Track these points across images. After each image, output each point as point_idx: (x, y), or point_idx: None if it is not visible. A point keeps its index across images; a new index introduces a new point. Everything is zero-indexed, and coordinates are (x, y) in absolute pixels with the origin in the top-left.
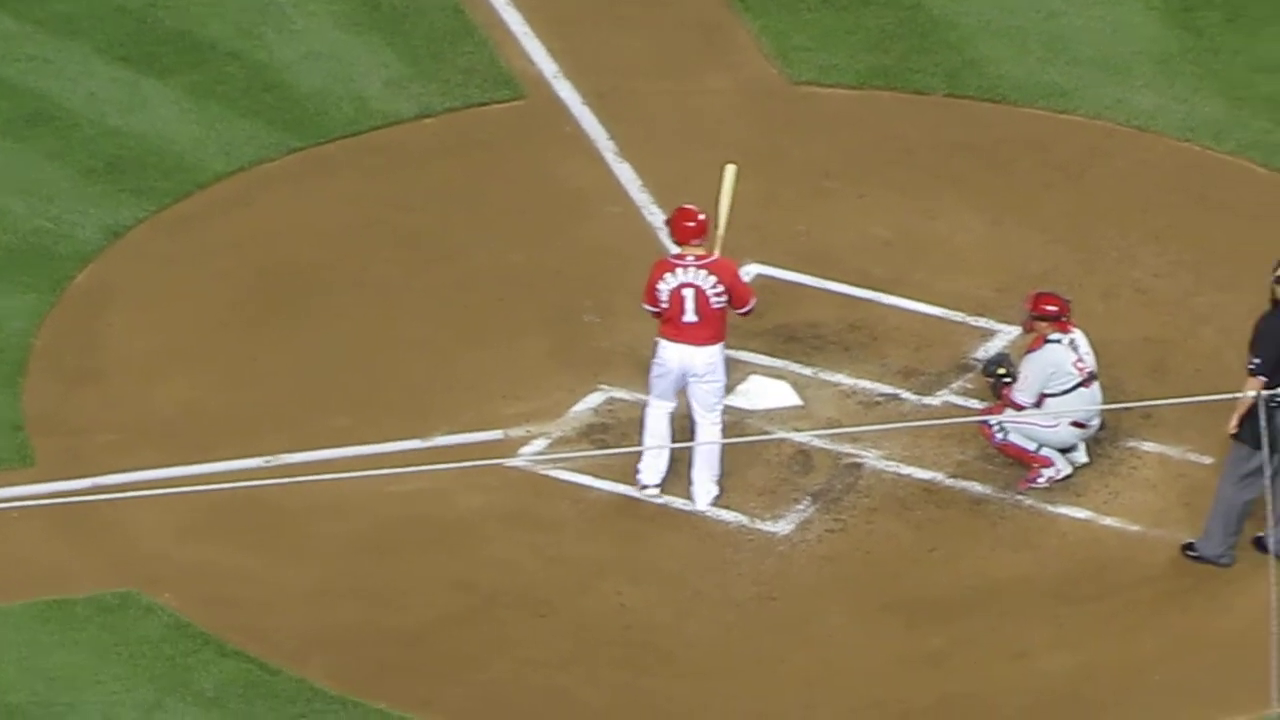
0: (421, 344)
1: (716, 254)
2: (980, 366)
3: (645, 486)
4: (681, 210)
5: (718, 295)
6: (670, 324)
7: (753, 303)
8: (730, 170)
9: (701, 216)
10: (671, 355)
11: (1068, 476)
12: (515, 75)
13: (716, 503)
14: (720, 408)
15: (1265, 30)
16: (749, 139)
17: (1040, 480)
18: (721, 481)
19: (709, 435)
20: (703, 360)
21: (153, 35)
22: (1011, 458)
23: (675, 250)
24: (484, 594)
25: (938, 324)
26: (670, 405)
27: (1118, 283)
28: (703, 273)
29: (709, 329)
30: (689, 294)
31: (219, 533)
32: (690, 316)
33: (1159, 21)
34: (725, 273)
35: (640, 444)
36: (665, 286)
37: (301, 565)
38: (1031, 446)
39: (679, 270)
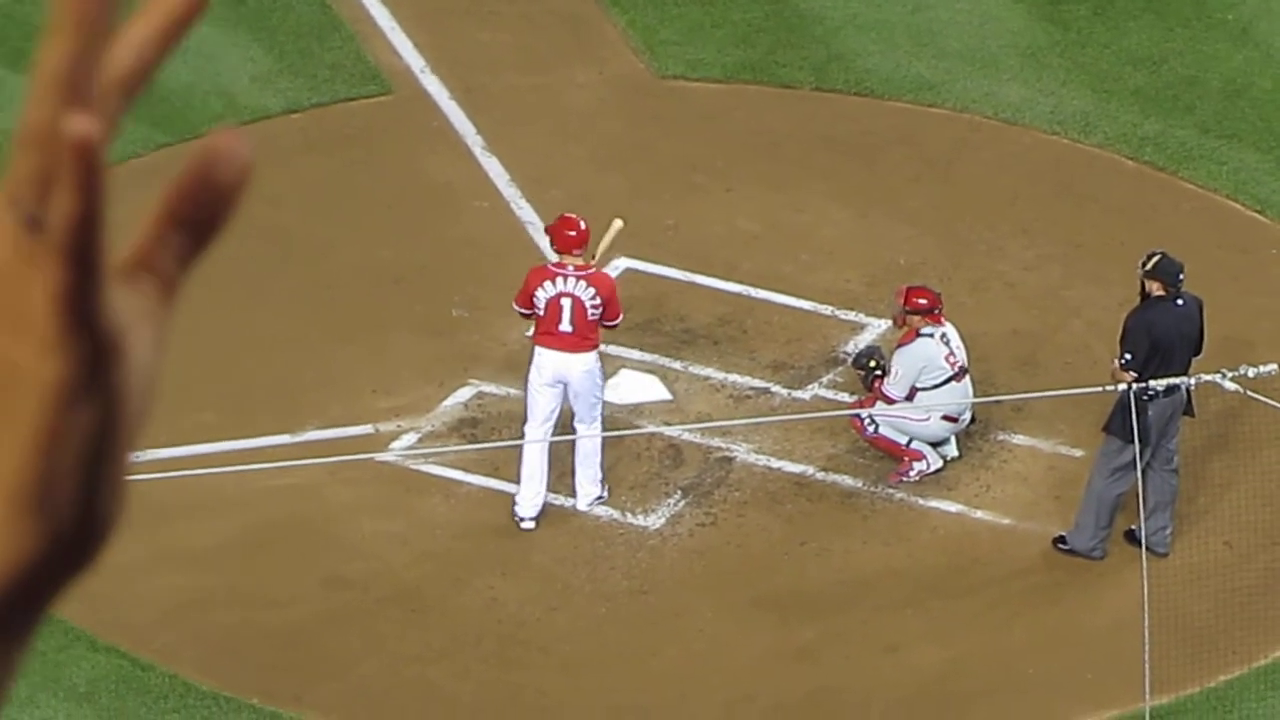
0: (289, 340)
1: (594, 268)
2: (850, 359)
3: (522, 520)
4: (563, 219)
5: (594, 307)
6: (545, 332)
7: (621, 319)
8: (616, 224)
9: (583, 225)
10: (547, 362)
11: (939, 470)
12: (382, 70)
13: (598, 504)
14: (598, 412)
15: (1133, 23)
16: (616, 133)
17: (911, 474)
18: (605, 483)
19: (584, 442)
20: (579, 368)
21: (21, 32)
22: (882, 451)
23: (554, 258)
24: (355, 589)
25: (807, 318)
26: (547, 432)
27: (986, 276)
28: (582, 284)
29: (584, 338)
30: (566, 303)
31: None
32: (565, 326)
33: (1026, 14)
34: (604, 286)
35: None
36: (543, 294)
37: (172, 561)
38: (902, 440)
39: (558, 279)
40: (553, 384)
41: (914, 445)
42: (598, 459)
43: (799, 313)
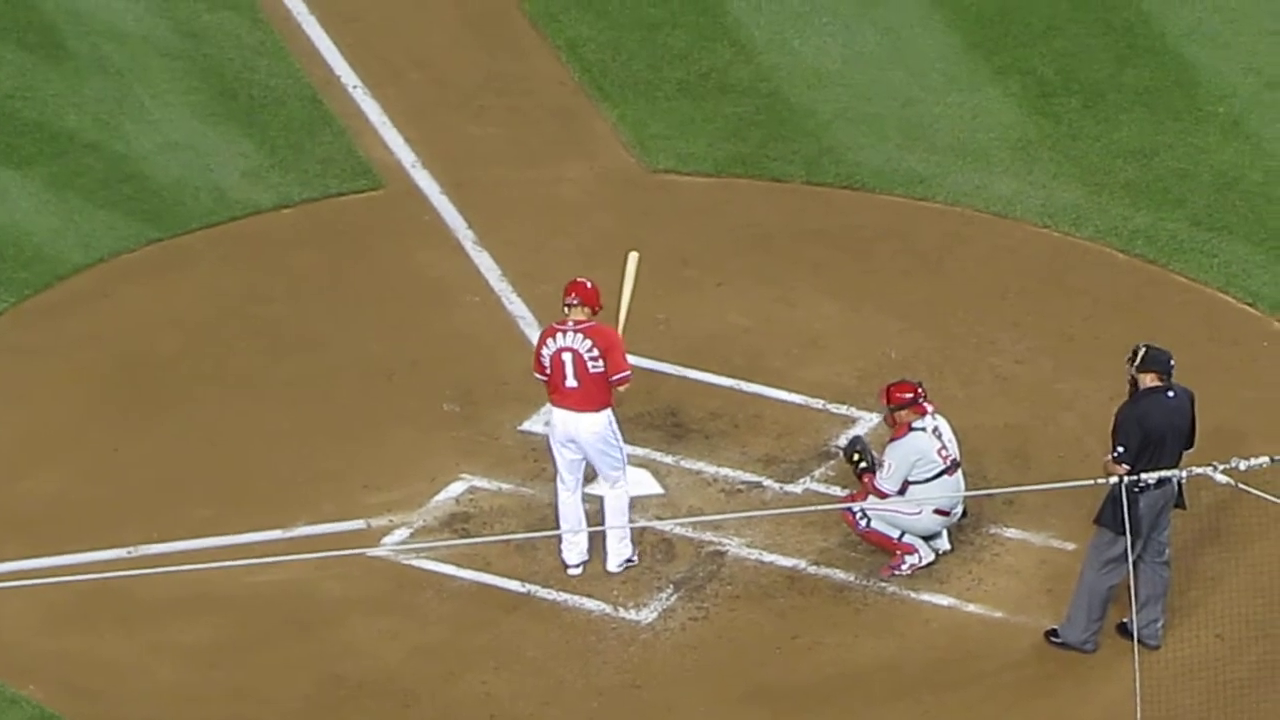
0: (282, 435)
1: (596, 322)
2: (840, 453)
3: (569, 567)
4: (572, 282)
5: (594, 360)
6: (554, 390)
7: (628, 374)
8: (633, 257)
9: (589, 285)
10: (558, 421)
11: (931, 563)
12: (373, 165)
13: (628, 566)
14: (620, 472)
15: (1122, 116)
16: (607, 227)
17: (903, 568)
18: (635, 544)
19: (611, 498)
20: (587, 428)
21: (11, 127)
22: (874, 545)
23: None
24: (349, 685)
25: (798, 411)
26: (574, 483)
27: (978, 369)
28: (579, 336)
29: (590, 396)
30: (568, 358)
31: (83, 624)
32: (571, 381)
33: (1017, 108)
34: (601, 337)
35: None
36: (547, 351)
37: (165, 657)
38: (894, 534)
39: (559, 335)
40: (566, 443)
41: (906, 539)
42: (625, 518)
43: (790, 406)
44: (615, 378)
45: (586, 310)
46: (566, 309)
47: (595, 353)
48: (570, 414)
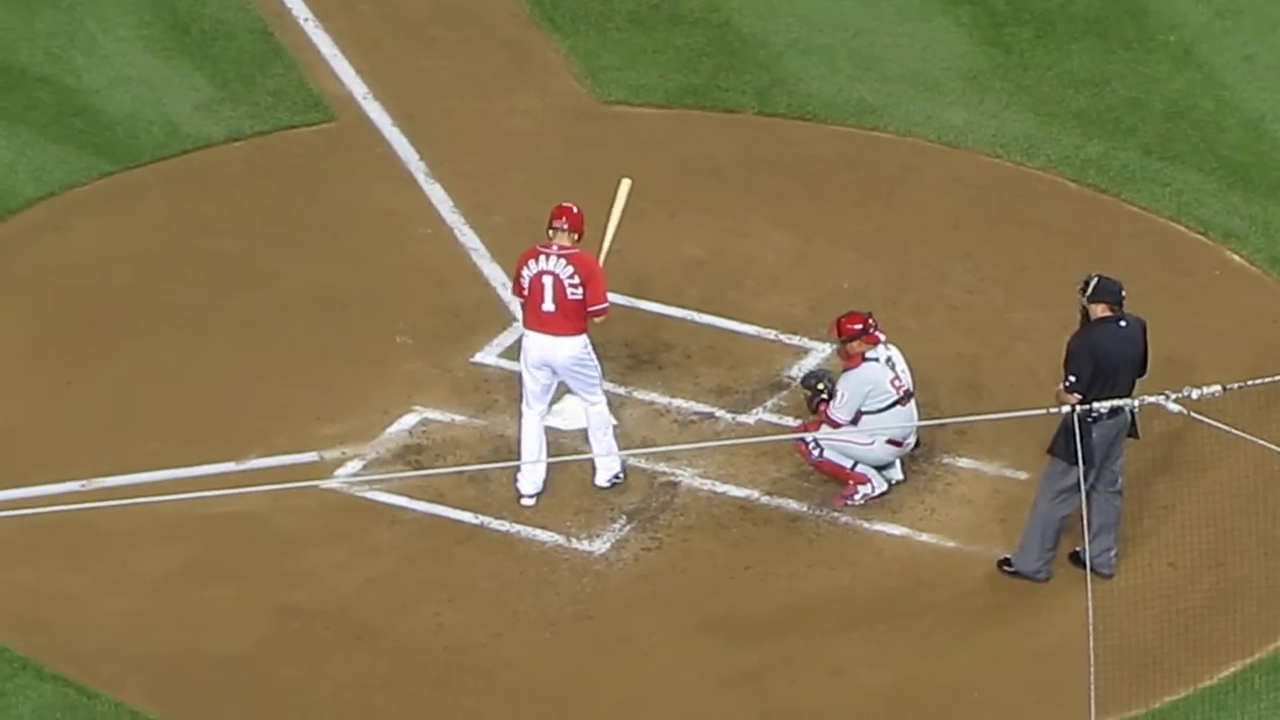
0: (234, 368)
1: (579, 250)
2: (799, 379)
3: (523, 496)
4: (558, 206)
5: (573, 286)
6: (531, 313)
7: (605, 306)
8: (625, 184)
9: (575, 210)
10: (531, 345)
11: (884, 493)
12: (325, 97)
13: (616, 481)
14: (598, 390)
15: (1075, 46)
16: (559, 159)
17: (856, 497)
18: (622, 464)
19: (594, 415)
20: (565, 353)
21: None
22: (827, 475)
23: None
24: (302, 616)
25: (751, 342)
26: (542, 409)
27: (930, 299)
28: (561, 261)
29: (568, 320)
30: (548, 281)
31: (35, 557)
32: (548, 305)
33: (968, 38)
34: (583, 265)
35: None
36: (527, 273)
37: (119, 589)
38: (847, 464)
39: (541, 257)
40: (540, 366)
41: (859, 469)
42: (609, 433)
43: (743, 337)
44: (593, 309)
45: (573, 236)
46: (551, 233)
47: (576, 280)
48: (546, 338)
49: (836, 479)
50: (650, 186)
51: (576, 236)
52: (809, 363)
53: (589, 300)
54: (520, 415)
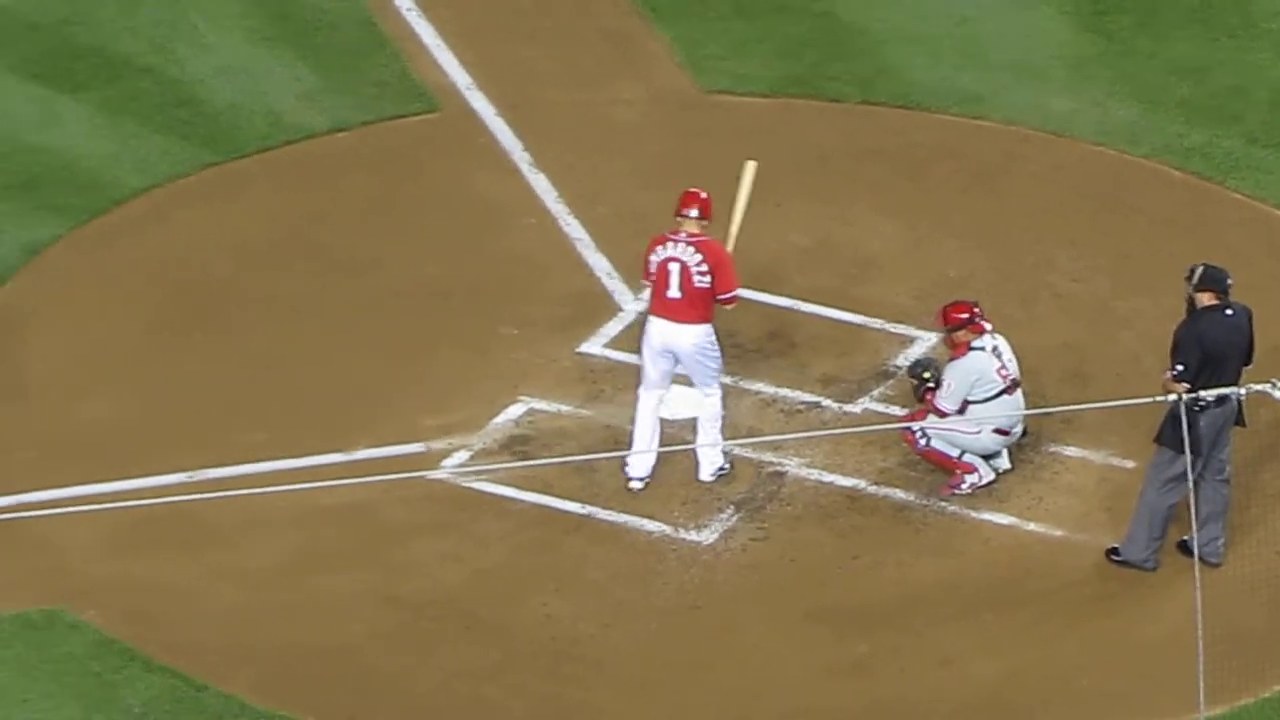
0: (339, 358)
1: (708, 236)
2: (906, 368)
3: (631, 479)
4: (688, 191)
5: (701, 274)
6: (656, 298)
7: (735, 294)
8: (750, 166)
9: (704, 195)
10: (654, 330)
11: (991, 483)
12: (429, 88)
13: (720, 475)
14: (717, 382)
15: (1177, 33)
16: (663, 148)
17: (963, 487)
18: (728, 455)
19: (708, 406)
20: (688, 340)
21: (66, 51)
22: (934, 464)
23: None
24: (410, 607)
25: (857, 331)
26: (660, 392)
27: (1035, 288)
28: (690, 249)
29: (693, 308)
30: (674, 268)
31: (143, 549)
32: (674, 292)
33: (1071, 26)
34: (711, 252)
35: (629, 442)
36: (655, 259)
37: (226, 580)
38: (954, 453)
39: (669, 244)
40: (662, 353)
41: (966, 458)
42: (718, 426)
43: (849, 326)
44: (722, 297)
45: (702, 222)
46: (680, 219)
47: (704, 267)
48: (670, 324)
49: (943, 468)
50: (756, 177)
51: (705, 222)
52: (915, 351)
53: (717, 288)
54: (636, 398)
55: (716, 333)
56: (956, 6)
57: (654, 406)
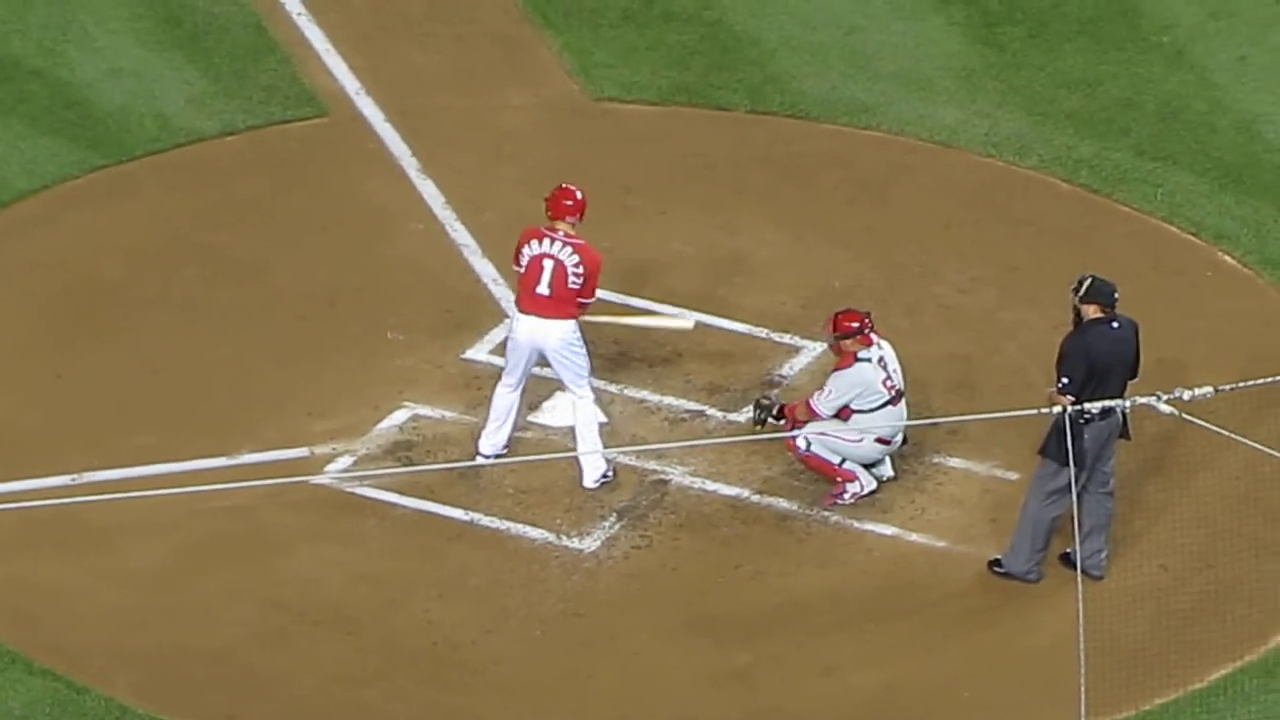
0: (226, 362)
1: (584, 241)
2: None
3: (477, 454)
4: (562, 188)
5: (576, 276)
6: (523, 294)
7: (592, 301)
8: (688, 324)
9: (580, 196)
10: (522, 328)
11: (873, 492)
12: (318, 92)
13: (604, 481)
14: (586, 383)
15: (1068, 45)
16: (551, 155)
17: (845, 496)
18: (611, 462)
19: (580, 409)
20: (555, 335)
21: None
22: (815, 471)
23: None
24: (292, 611)
25: (742, 340)
26: (515, 383)
27: (921, 299)
28: (568, 249)
29: (560, 305)
30: (548, 265)
31: (26, 550)
32: (543, 289)
33: (961, 37)
34: (588, 258)
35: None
36: (528, 252)
37: (109, 583)
38: (835, 460)
39: (545, 240)
40: (528, 350)
41: (846, 465)
42: (595, 430)
43: (734, 335)
44: (585, 300)
45: (576, 221)
46: (554, 218)
47: (580, 271)
48: (538, 320)
49: (824, 475)
50: (641, 183)
51: (578, 221)
52: (800, 361)
53: (583, 292)
54: (495, 386)
55: (582, 331)
56: (846, 16)
57: (509, 395)
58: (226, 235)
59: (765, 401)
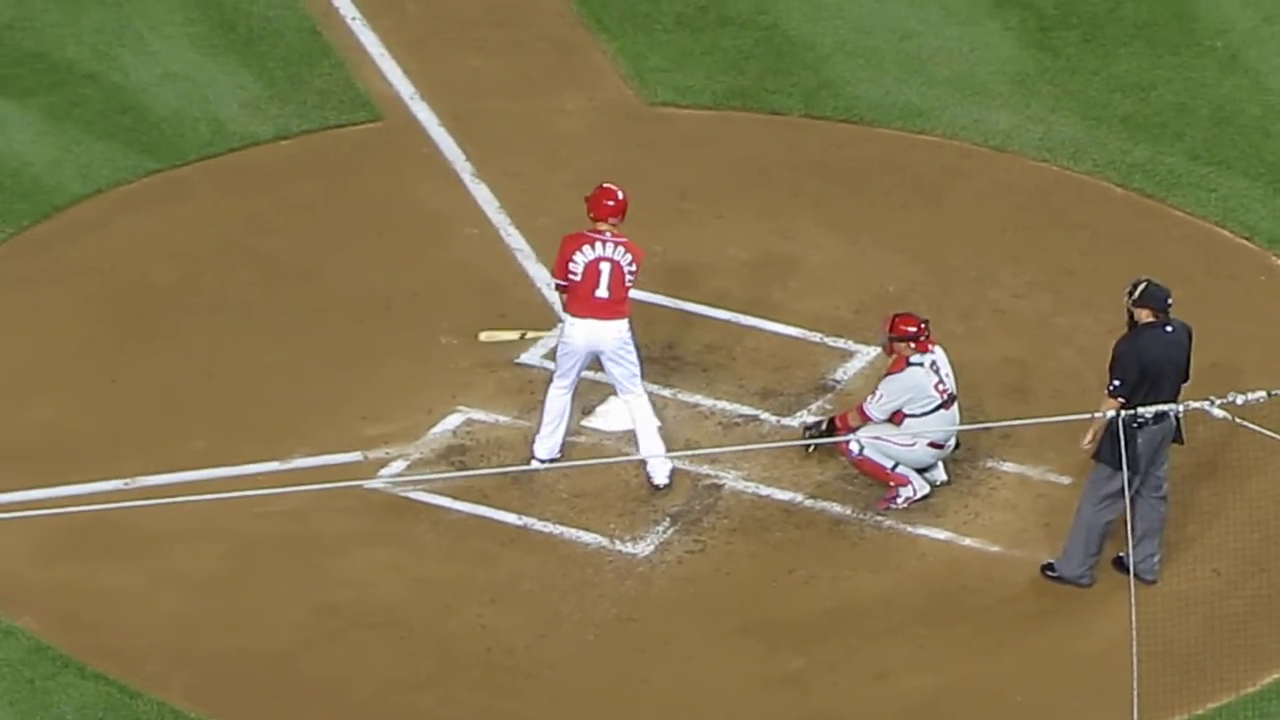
0: (279, 366)
1: (627, 236)
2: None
3: (533, 459)
4: (602, 188)
5: (631, 274)
6: (580, 299)
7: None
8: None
9: (621, 195)
10: (578, 333)
11: (925, 496)
12: (372, 97)
13: (672, 477)
14: (639, 381)
15: (1121, 50)
16: (606, 160)
17: (899, 500)
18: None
19: (639, 412)
20: (612, 335)
21: (9, 57)
22: (867, 475)
23: (591, 227)
24: (345, 616)
25: (796, 345)
26: (569, 384)
27: (976, 303)
28: (620, 249)
29: (616, 306)
30: (606, 268)
31: (79, 555)
32: (603, 292)
33: (1016, 41)
34: (639, 255)
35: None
36: (581, 258)
37: (163, 587)
38: (888, 464)
39: (597, 244)
40: (583, 353)
41: (899, 470)
42: (655, 431)
43: (787, 339)
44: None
45: (618, 222)
46: (597, 220)
47: (634, 268)
48: (596, 323)
49: (877, 479)
50: (696, 188)
51: (620, 221)
52: (854, 365)
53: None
54: (547, 394)
55: (633, 330)
56: (901, 21)
57: (564, 398)
58: (280, 239)
59: (809, 427)
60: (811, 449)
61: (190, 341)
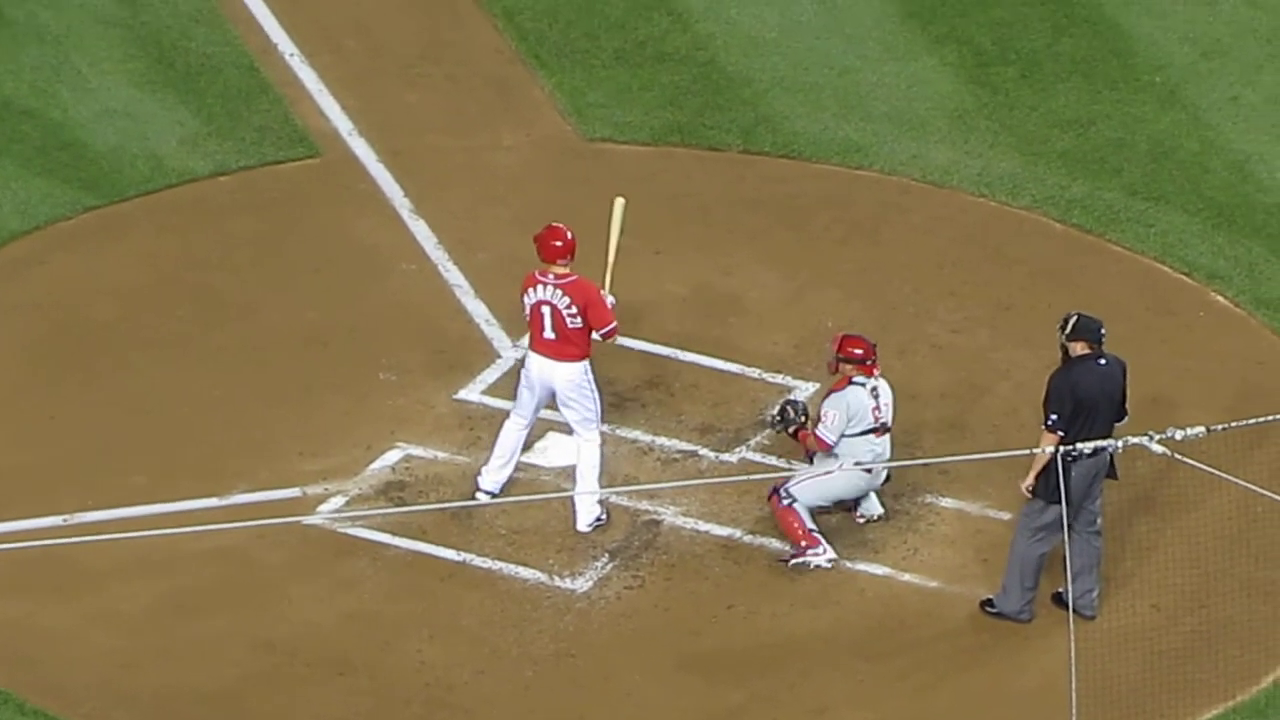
0: (218, 402)
1: (575, 276)
2: (775, 410)
3: (478, 490)
4: (550, 229)
5: (571, 316)
6: (534, 338)
7: (613, 327)
8: (619, 204)
9: (569, 236)
10: (533, 365)
11: (830, 564)
12: (310, 133)
13: (598, 525)
14: (595, 426)
15: (1059, 86)
16: (544, 196)
17: (805, 562)
18: (604, 504)
19: (585, 453)
20: (564, 376)
21: None
22: (783, 528)
23: (541, 267)
24: (284, 652)
25: (735, 380)
26: (525, 421)
27: (914, 339)
28: (558, 292)
29: (568, 346)
30: (546, 311)
31: (18, 591)
32: (549, 333)
33: (954, 77)
34: (578, 294)
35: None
36: (528, 300)
37: (102, 623)
38: (808, 522)
39: (539, 286)
40: (540, 385)
41: (814, 533)
42: (595, 475)
43: (727, 375)
44: (602, 331)
45: (568, 262)
46: (545, 262)
47: (574, 310)
48: (546, 360)
49: (789, 536)
50: (635, 224)
51: (570, 261)
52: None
53: (592, 325)
54: (504, 421)
55: (594, 374)
56: (838, 57)
57: (517, 432)
58: (219, 275)
59: (791, 412)
60: (772, 425)
61: (129, 377)
